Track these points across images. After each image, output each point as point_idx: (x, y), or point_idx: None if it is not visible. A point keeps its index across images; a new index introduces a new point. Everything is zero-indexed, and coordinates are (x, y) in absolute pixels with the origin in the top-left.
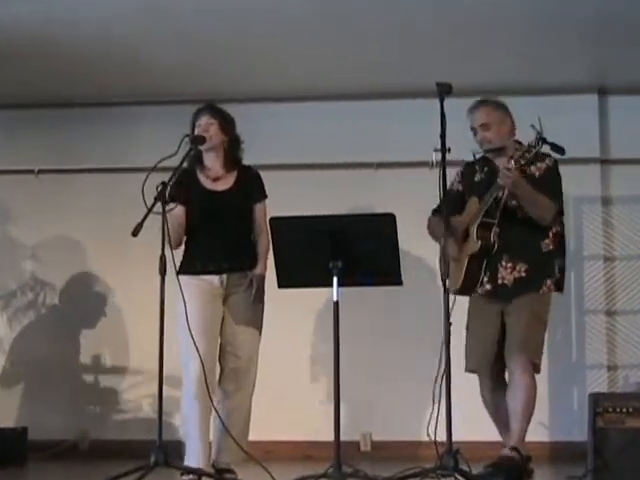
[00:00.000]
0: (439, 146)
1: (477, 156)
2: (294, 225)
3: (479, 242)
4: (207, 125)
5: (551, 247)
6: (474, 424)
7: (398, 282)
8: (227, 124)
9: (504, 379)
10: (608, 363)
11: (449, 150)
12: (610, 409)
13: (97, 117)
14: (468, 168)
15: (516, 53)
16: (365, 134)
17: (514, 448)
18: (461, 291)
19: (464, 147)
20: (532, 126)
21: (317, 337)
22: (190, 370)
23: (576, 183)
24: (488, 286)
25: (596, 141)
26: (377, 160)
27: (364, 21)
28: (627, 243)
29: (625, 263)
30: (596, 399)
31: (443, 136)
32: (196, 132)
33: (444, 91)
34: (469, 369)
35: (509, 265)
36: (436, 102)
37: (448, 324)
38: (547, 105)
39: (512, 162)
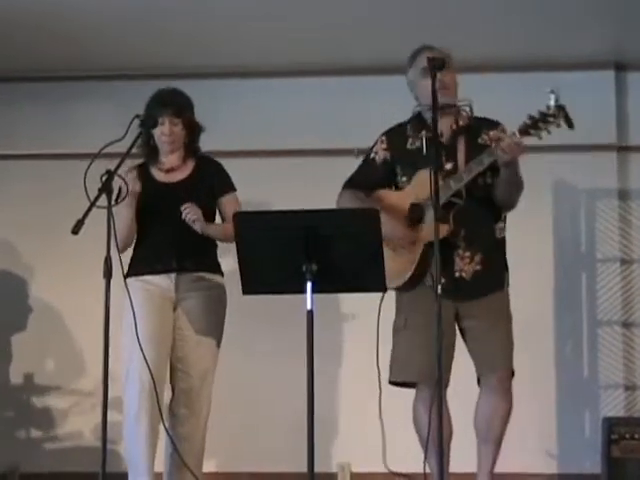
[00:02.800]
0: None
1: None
2: (261, 221)
3: (446, 227)
4: (171, 128)
5: (504, 233)
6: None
7: (382, 288)
8: (190, 115)
9: (445, 394)
10: (625, 382)
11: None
12: (627, 436)
13: (28, 94)
14: (395, 134)
15: (519, 22)
16: (344, 116)
17: None
18: (405, 286)
19: None
20: (552, 91)
21: (287, 351)
22: (132, 383)
23: (589, 174)
24: (441, 278)
25: (612, 124)
26: (358, 145)
27: None
28: None
29: None
30: (611, 424)
31: (435, 119)
32: (158, 131)
33: (437, 67)
34: (403, 380)
35: (466, 255)
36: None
37: (441, 335)
38: (555, 82)
39: (517, 132)
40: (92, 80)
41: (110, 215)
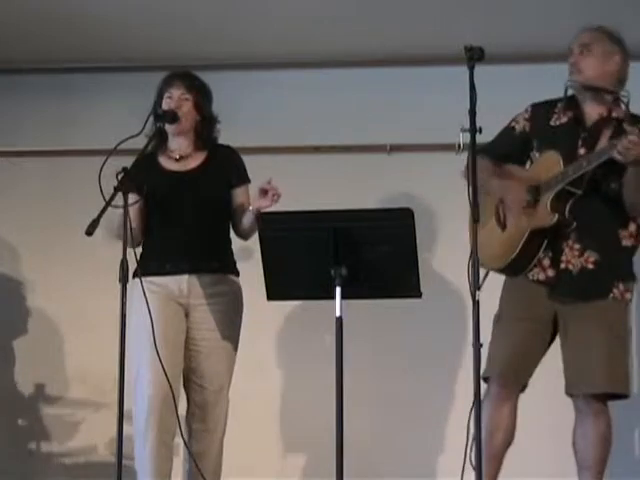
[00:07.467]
0: (467, 125)
1: (569, 92)
2: (287, 222)
3: (555, 216)
4: (180, 100)
5: (631, 242)
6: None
7: (416, 294)
8: (204, 100)
9: (517, 398)
10: None
11: (480, 130)
12: None
13: (36, 87)
14: (543, 107)
15: (562, 10)
16: (376, 110)
17: None
18: (507, 270)
19: (497, 126)
20: None
21: (314, 360)
22: (139, 395)
23: None
24: (550, 272)
25: None
26: (390, 142)
27: None
28: None
29: None
30: None
31: (472, 112)
32: (164, 105)
33: (475, 57)
34: (489, 374)
35: (576, 247)
36: (464, 70)
37: (478, 345)
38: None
39: (638, 131)
40: (106, 72)
41: (127, 215)
